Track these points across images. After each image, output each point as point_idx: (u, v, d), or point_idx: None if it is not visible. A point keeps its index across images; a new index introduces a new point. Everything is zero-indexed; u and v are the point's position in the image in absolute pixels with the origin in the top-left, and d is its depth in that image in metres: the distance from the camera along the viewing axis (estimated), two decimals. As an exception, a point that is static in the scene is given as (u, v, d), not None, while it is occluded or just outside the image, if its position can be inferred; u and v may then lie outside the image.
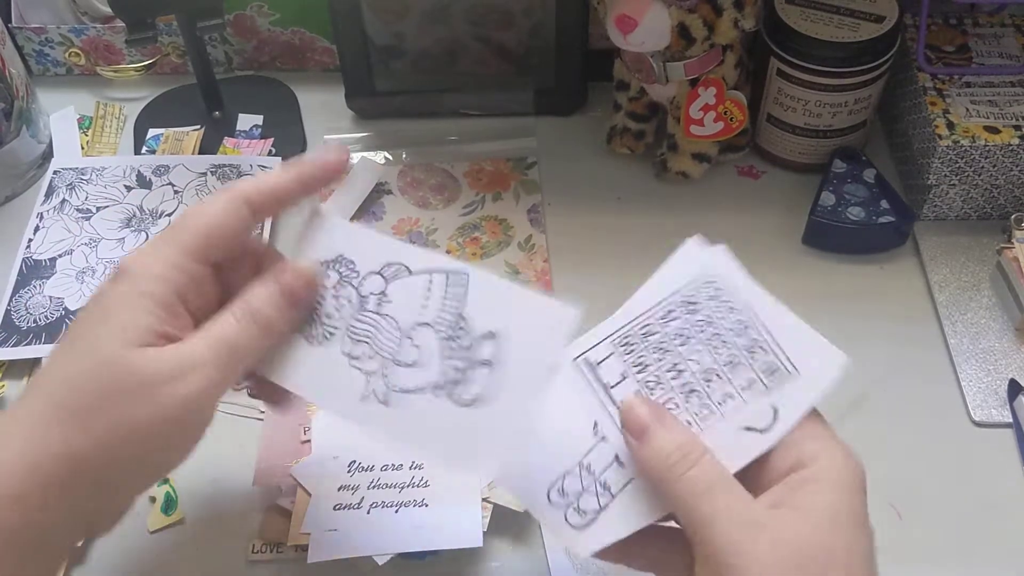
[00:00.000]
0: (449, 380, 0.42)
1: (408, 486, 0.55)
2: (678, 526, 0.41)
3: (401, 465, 0.55)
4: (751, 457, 0.40)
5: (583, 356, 0.44)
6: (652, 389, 0.42)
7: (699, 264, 0.44)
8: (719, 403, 0.41)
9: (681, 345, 0.42)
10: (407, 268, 0.44)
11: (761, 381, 0.41)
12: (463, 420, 0.42)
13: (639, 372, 0.43)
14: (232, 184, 0.44)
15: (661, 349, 0.43)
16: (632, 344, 0.43)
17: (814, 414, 0.41)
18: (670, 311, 0.43)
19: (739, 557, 0.36)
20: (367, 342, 0.44)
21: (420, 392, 0.43)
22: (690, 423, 0.41)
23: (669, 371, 0.42)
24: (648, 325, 0.43)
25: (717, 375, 0.42)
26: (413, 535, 0.53)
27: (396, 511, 0.53)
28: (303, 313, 0.45)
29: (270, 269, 0.44)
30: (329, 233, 0.46)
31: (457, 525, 0.53)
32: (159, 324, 0.40)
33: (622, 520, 0.41)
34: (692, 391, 0.42)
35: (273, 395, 0.48)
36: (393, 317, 0.44)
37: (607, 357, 0.43)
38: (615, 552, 0.41)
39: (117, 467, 0.39)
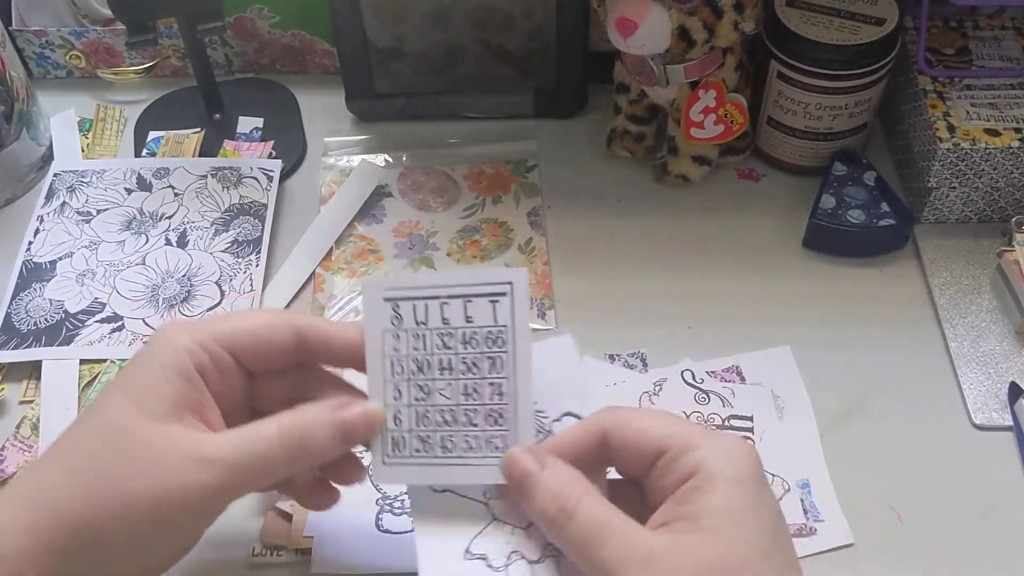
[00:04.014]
0: None
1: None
2: None
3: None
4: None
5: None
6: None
7: None
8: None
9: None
10: None
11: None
12: None
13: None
14: (299, 312, 0.44)
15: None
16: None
17: (683, 420, 0.41)
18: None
19: None
20: None
21: None
22: None
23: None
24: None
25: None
26: None
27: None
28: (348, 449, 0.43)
29: (332, 396, 0.43)
30: None
31: None
32: (176, 394, 0.40)
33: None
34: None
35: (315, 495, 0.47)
36: None
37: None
38: None
39: (114, 542, 0.38)
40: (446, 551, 0.42)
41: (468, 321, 0.42)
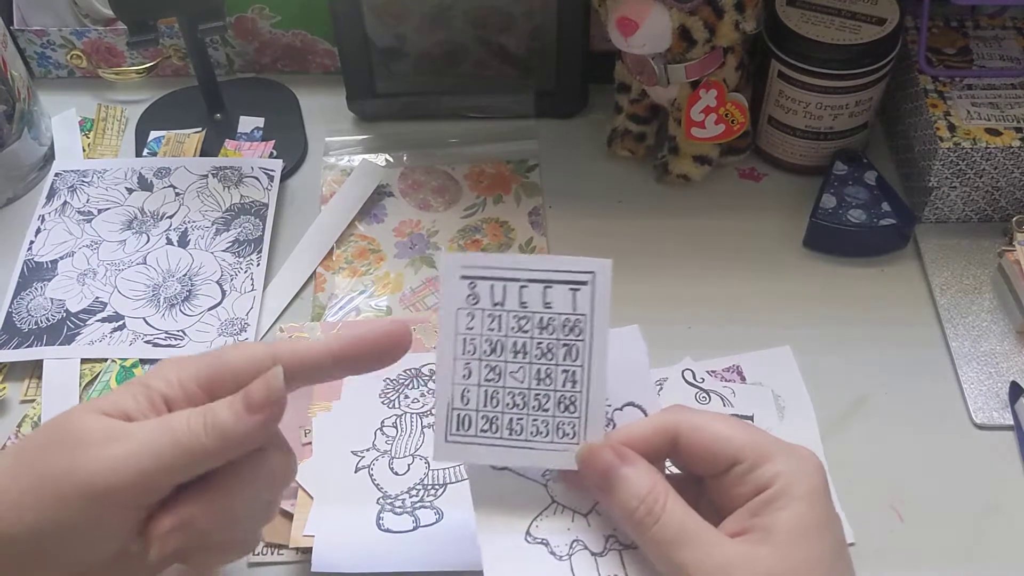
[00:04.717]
0: None
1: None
2: None
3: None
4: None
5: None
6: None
7: None
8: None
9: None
10: None
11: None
12: None
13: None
14: (277, 342, 0.43)
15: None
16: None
17: (755, 429, 0.42)
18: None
19: None
20: None
21: None
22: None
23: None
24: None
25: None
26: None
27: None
28: (266, 427, 0.41)
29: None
30: None
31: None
32: (131, 405, 0.40)
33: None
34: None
35: None
36: None
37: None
38: None
39: (30, 523, 0.38)
40: (507, 533, 0.42)
41: (547, 307, 0.42)
